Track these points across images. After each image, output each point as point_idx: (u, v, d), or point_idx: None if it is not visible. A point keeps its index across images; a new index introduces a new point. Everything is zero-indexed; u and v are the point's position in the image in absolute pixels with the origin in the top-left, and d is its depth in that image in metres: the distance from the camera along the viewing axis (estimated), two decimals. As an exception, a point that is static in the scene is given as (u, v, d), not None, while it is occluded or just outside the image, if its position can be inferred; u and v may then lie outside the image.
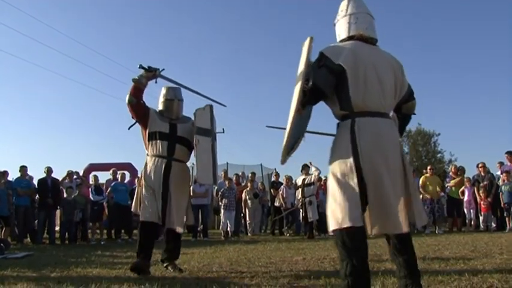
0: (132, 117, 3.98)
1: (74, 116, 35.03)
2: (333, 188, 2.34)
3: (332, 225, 2.29)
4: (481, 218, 9.75)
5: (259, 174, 14.12)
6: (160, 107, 4.17)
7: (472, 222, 9.97)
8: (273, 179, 12.46)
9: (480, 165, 10.18)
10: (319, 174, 9.43)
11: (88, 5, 34.86)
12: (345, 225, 2.20)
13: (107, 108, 33.65)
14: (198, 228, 9.68)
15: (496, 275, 3.21)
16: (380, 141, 2.33)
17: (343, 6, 2.62)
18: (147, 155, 4.02)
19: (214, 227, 12.37)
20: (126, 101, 3.86)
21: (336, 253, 3.12)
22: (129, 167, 12.82)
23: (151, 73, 3.85)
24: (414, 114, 2.84)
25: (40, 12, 34.31)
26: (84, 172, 12.61)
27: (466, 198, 9.95)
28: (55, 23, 37.55)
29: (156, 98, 4.25)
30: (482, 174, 10.05)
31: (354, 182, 2.25)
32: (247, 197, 10.81)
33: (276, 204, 10.91)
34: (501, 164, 9.99)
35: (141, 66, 3.82)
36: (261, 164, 15.25)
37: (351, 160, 2.28)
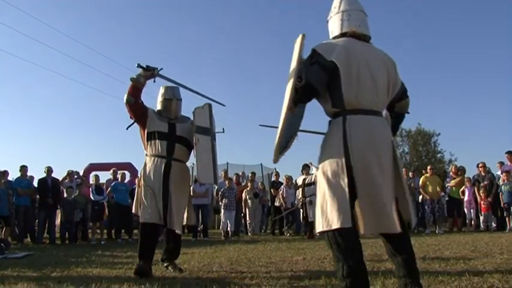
0: (131, 117, 3.95)
1: (74, 116, 35.11)
2: (323, 187, 2.31)
3: (322, 226, 2.26)
4: (481, 218, 9.75)
5: (259, 174, 14.12)
6: (158, 106, 4.14)
7: (473, 222, 9.97)
8: (273, 178, 12.46)
9: (480, 165, 10.19)
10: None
11: (88, 4, 34.90)
12: (335, 227, 2.18)
13: (107, 108, 33.73)
14: (198, 228, 9.67)
15: (496, 275, 3.21)
16: (372, 139, 2.31)
17: (336, 3, 2.60)
18: (146, 155, 3.99)
19: (214, 226, 12.37)
20: (124, 100, 3.82)
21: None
22: (129, 166, 12.81)
23: (150, 72, 3.81)
24: (408, 113, 2.80)
25: (40, 12, 34.36)
26: (84, 172, 12.61)
27: (466, 198, 9.95)
28: (55, 23, 37.62)
29: (154, 97, 4.23)
30: (483, 174, 10.05)
31: (344, 182, 2.23)
32: (247, 197, 10.82)
33: (276, 204, 10.92)
34: (501, 163, 9.99)
35: (139, 66, 3.78)
36: (261, 164, 15.27)
37: (342, 159, 2.25)
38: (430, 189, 10.03)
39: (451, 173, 10.98)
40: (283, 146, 2.58)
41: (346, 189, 2.21)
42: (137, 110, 3.91)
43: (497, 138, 34.39)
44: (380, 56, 2.52)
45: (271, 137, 2.47)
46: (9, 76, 32.21)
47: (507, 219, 9.29)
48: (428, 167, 10.74)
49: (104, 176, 11.46)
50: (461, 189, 10.12)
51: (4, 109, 32.63)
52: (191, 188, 9.23)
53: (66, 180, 9.93)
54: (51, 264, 4.84)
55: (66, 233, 9.07)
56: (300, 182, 9.48)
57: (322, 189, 2.32)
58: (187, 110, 4.22)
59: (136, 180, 4.37)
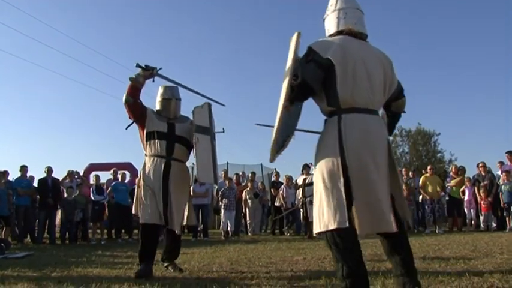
0: (130, 117, 3.92)
1: (74, 116, 35.12)
2: (319, 188, 2.30)
3: (320, 227, 2.25)
4: (481, 218, 9.74)
5: (259, 174, 14.12)
6: (157, 106, 4.11)
7: (473, 222, 9.97)
8: (273, 178, 12.45)
9: (480, 165, 10.19)
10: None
11: (88, 4, 34.91)
12: (332, 227, 2.17)
13: (107, 108, 33.72)
14: (198, 228, 9.67)
15: (496, 275, 3.21)
16: (368, 138, 2.29)
17: (332, 1, 2.59)
18: (146, 155, 3.97)
19: (214, 226, 12.38)
20: (123, 100, 3.80)
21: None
22: (129, 166, 12.82)
23: (149, 72, 3.78)
24: (404, 112, 2.78)
25: (40, 12, 34.36)
26: (84, 172, 12.62)
27: (466, 197, 9.95)
28: (55, 23, 37.62)
29: (153, 97, 4.20)
30: (483, 173, 10.05)
31: (340, 181, 2.21)
32: (247, 197, 10.81)
33: (276, 204, 10.91)
34: (501, 163, 9.99)
35: (138, 65, 3.76)
36: (261, 164, 15.25)
37: (337, 158, 2.24)
38: (430, 189, 10.03)
39: (451, 173, 10.99)
40: (280, 145, 2.56)
41: (342, 189, 2.20)
42: (136, 110, 3.89)
43: (497, 138, 34.43)
44: (376, 54, 2.50)
45: (270, 137, 2.45)
46: (9, 76, 32.26)
47: (507, 219, 9.29)
48: (429, 167, 10.74)
49: (104, 176, 11.47)
50: (461, 189, 10.12)
51: (4, 109, 32.68)
52: (191, 188, 9.27)
53: (67, 180, 9.93)
54: (51, 264, 4.83)
55: (66, 233, 9.07)
56: (300, 182, 9.48)
57: (319, 190, 2.30)
58: (186, 110, 4.21)
59: (136, 180, 4.35)
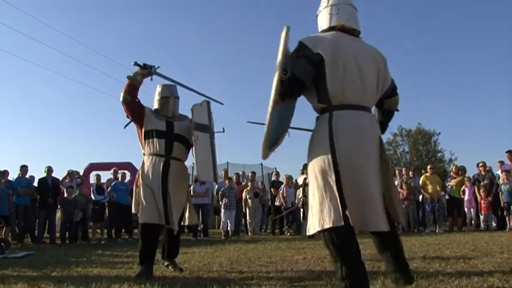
0: (127, 116, 3.89)
1: (74, 116, 35.15)
2: (312, 186, 2.28)
3: (313, 227, 2.23)
4: (481, 217, 9.74)
5: (259, 173, 14.10)
6: (155, 105, 4.08)
7: (473, 222, 9.97)
8: (273, 178, 12.46)
9: (480, 165, 10.18)
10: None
11: (88, 4, 34.93)
12: (327, 226, 2.15)
13: (107, 107, 33.74)
14: (199, 228, 9.67)
15: (496, 274, 3.21)
16: (360, 135, 2.26)
17: None
18: (144, 154, 3.94)
19: (214, 226, 12.38)
20: (121, 99, 3.77)
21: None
22: (129, 166, 12.81)
23: (147, 70, 3.75)
24: (397, 110, 2.75)
25: (40, 12, 34.35)
26: (84, 172, 12.62)
27: (466, 197, 9.95)
28: (55, 23, 37.62)
29: (151, 95, 4.18)
30: (483, 173, 10.04)
31: (332, 179, 2.18)
32: (247, 197, 10.81)
33: (277, 203, 10.91)
34: (501, 163, 9.98)
35: (136, 64, 3.73)
36: (261, 164, 15.21)
37: (328, 156, 2.20)
38: (430, 188, 10.03)
39: (451, 173, 10.98)
40: (273, 142, 2.52)
41: (335, 187, 2.17)
42: (134, 109, 3.85)
43: (497, 138, 34.43)
44: (369, 50, 2.46)
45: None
46: (9, 76, 32.27)
47: (507, 218, 9.28)
48: (429, 166, 10.74)
49: (105, 176, 11.48)
50: (461, 189, 10.11)
51: (4, 109, 32.68)
52: (191, 187, 9.28)
53: (67, 180, 9.93)
54: (51, 263, 4.83)
55: (67, 233, 9.08)
56: (300, 181, 9.48)
57: (312, 189, 2.28)
58: (185, 108, 4.19)
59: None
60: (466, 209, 10.02)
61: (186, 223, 4.22)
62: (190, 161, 4.21)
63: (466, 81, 36.45)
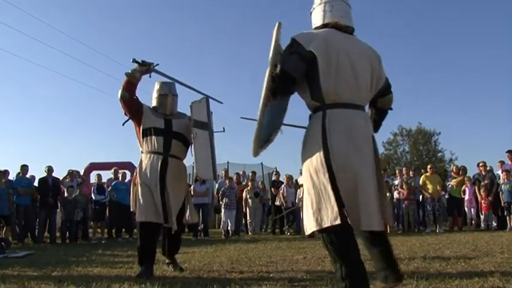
0: (125, 114, 3.86)
1: (75, 116, 35.11)
2: (308, 186, 2.26)
3: (310, 227, 2.21)
4: (481, 217, 9.74)
5: (259, 173, 14.11)
6: (154, 102, 4.06)
7: (473, 221, 9.97)
8: (273, 178, 12.45)
9: (481, 164, 10.18)
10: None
11: (89, 4, 34.90)
12: (325, 225, 2.13)
13: (107, 107, 33.61)
14: (199, 227, 9.67)
15: (497, 274, 3.20)
16: (352, 133, 2.24)
17: None
18: (142, 152, 3.91)
19: (215, 226, 12.38)
20: (119, 96, 3.72)
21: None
22: (130, 166, 12.79)
23: (145, 67, 3.71)
24: (391, 109, 2.73)
25: (41, 11, 34.28)
26: (85, 171, 12.62)
27: (466, 197, 9.95)
28: (56, 23, 37.47)
29: (149, 93, 4.15)
30: (483, 173, 10.04)
31: (326, 178, 2.16)
32: (247, 196, 10.81)
33: (277, 203, 10.91)
34: (502, 163, 9.97)
35: (134, 60, 3.70)
36: (262, 163, 15.24)
37: (321, 154, 2.19)
38: (430, 188, 10.02)
39: (452, 173, 10.98)
40: (265, 139, 2.51)
41: (329, 186, 2.15)
42: (132, 106, 3.81)
43: (497, 138, 34.38)
44: (363, 48, 2.44)
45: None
46: (10, 76, 32.27)
47: (507, 218, 9.27)
48: (429, 166, 10.72)
49: (105, 176, 11.49)
50: (461, 188, 10.11)
51: (4, 109, 32.66)
52: (192, 187, 9.28)
53: (67, 180, 9.94)
54: (51, 263, 4.84)
55: (67, 232, 9.08)
56: (300, 181, 9.48)
57: (306, 188, 2.26)
58: (183, 106, 4.16)
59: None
60: (466, 209, 10.01)
61: (189, 220, 4.17)
62: (190, 160, 4.19)
63: (466, 81, 36.43)
